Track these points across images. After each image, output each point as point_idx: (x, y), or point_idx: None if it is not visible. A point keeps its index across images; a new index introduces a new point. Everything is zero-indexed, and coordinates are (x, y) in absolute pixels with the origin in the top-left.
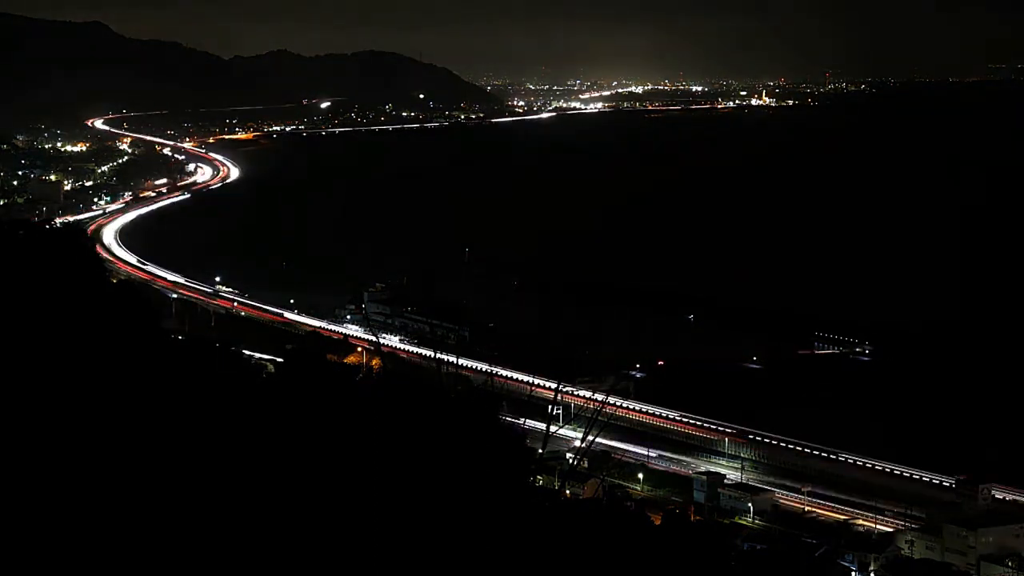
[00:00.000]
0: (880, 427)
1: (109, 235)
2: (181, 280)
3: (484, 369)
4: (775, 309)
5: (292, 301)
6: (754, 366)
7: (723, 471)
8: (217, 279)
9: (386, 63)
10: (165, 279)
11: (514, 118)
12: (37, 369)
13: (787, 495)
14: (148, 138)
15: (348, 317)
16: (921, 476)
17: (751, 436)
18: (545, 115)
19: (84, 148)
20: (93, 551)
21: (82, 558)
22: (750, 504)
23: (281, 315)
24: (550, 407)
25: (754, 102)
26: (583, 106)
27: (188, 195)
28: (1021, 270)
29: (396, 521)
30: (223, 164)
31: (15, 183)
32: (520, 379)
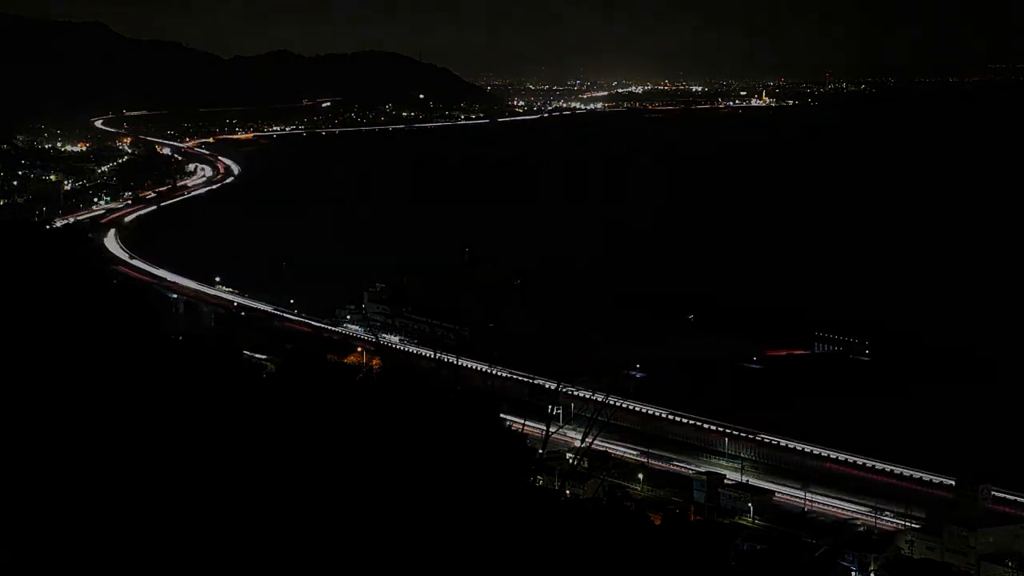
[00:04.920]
0: (880, 427)
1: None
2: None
3: (483, 370)
4: (775, 309)
5: (292, 301)
6: (754, 366)
7: (723, 471)
8: (217, 279)
9: (386, 63)
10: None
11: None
12: (38, 370)
13: (787, 495)
14: (148, 138)
15: (348, 317)
16: (921, 476)
17: (751, 436)
18: (544, 116)
19: (84, 148)
20: (93, 550)
21: (82, 557)
22: (750, 504)
23: (281, 315)
24: (550, 407)
25: (754, 102)
26: (583, 106)
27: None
28: (1021, 270)
29: (397, 521)
30: (223, 164)
31: (15, 183)
32: (520, 379)
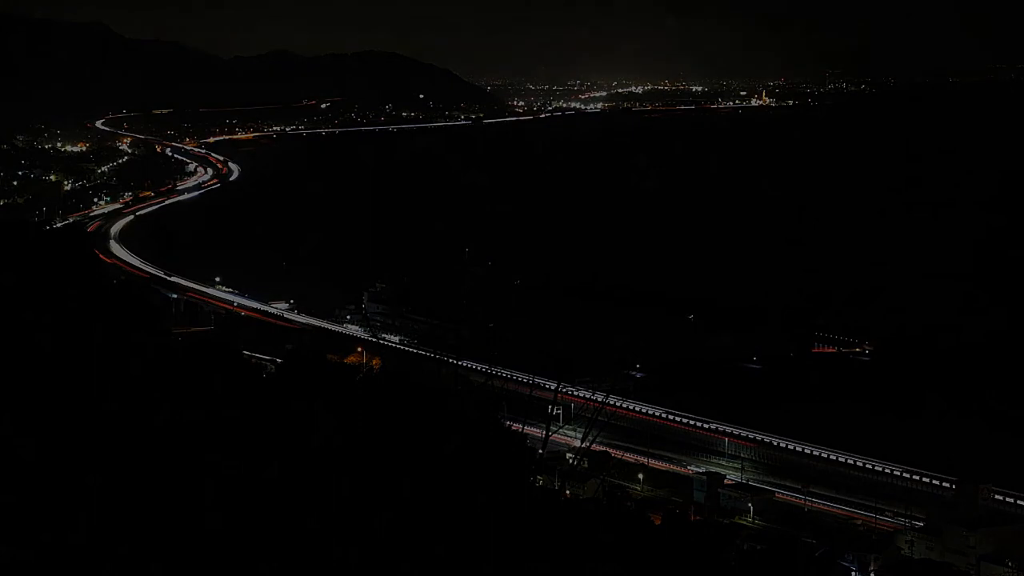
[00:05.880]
0: (880, 427)
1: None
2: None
3: (483, 369)
4: (775, 309)
5: (292, 301)
6: (754, 366)
7: (723, 471)
8: (217, 279)
9: (386, 63)
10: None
11: None
12: (40, 370)
13: (787, 495)
14: (148, 138)
15: (348, 317)
16: (921, 476)
17: (751, 436)
18: (543, 116)
19: (84, 148)
20: (94, 549)
21: (83, 556)
22: (750, 504)
23: (281, 315)
24: (550, 407)
25: (754, 102)
26: (583, 106)
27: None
28: (1020, 269)
29: (397, 521)
30: (222, 164)
31: (15, 183)
32: (520, 379)
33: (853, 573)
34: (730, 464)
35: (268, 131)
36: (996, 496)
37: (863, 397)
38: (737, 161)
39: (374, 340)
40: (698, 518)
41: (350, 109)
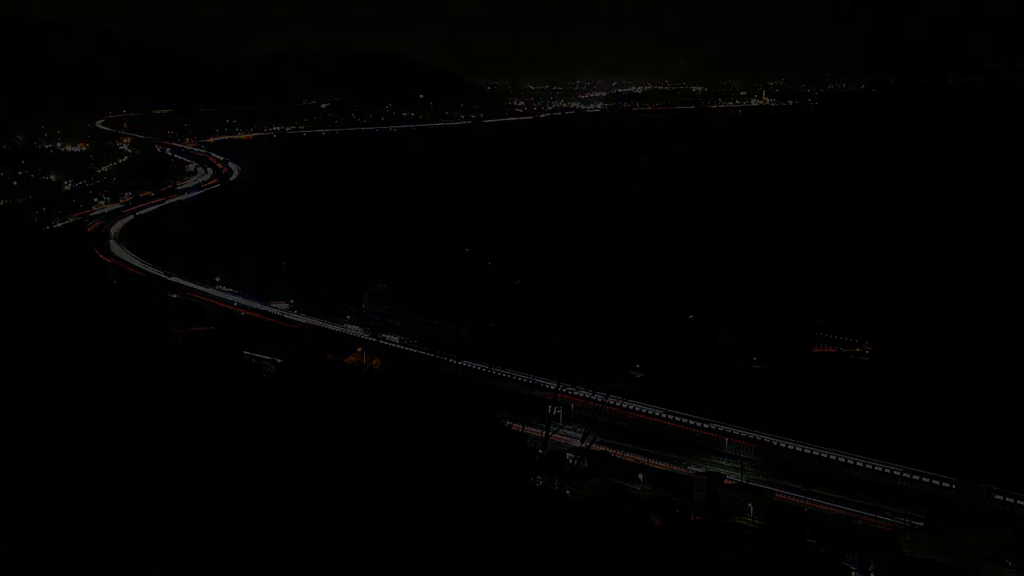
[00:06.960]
0: (880, 427)
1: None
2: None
3: (483, 369)
4: (775, 309)
5: (292, 301)
6: (754, 366)
7: (723, 471)
8: (217, 279)
9: (386, 63)
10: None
11: None
12: (40, 370)
13: (787, 495)
14: (148, 138)
15: (348, 317)
16: (921, 476)
17: (751, 436)
18: (543, 116)
19: (84, 148)
20: (94, 549)
21: (83, 556)
22: (750, 504)
23: (281, 315)
24: (550, 407)
25: (754, 102)
26: (583, 106)
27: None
28: (1019, 269)
29: (397, 521)
30: (223, 164)
31: (15, 183)
32: (520, 379)
33: (853, 573)
34: (730, 464)
35: (268, 131)
36: (996, 496)
37: (863, 397)
38: (737, 161)
39: (374, 340)
40: (698, 518)
41: (350, 109)
